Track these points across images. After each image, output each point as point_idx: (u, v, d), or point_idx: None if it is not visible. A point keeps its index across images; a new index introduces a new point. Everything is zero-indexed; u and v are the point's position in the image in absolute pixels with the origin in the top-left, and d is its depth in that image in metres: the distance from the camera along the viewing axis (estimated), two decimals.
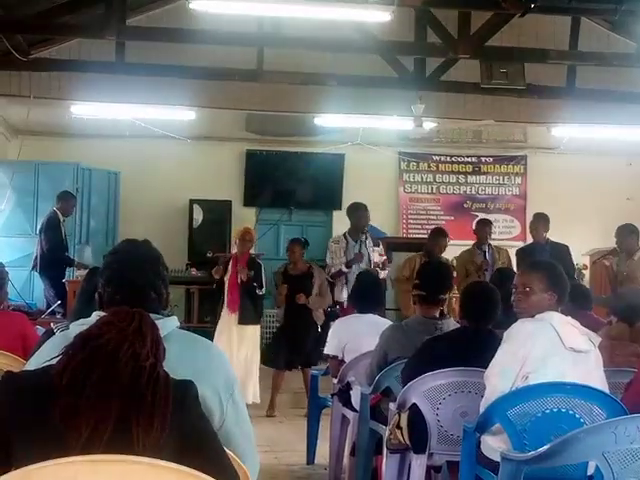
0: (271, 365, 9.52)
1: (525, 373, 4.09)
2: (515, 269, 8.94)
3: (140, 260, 2.74)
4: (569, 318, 4.21)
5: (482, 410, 4.17)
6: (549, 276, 4.34)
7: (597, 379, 4.16)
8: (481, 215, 14.80)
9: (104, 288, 2.72)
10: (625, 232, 9.87)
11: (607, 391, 4.20)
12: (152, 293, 2.70)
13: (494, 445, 4.12)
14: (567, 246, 10.42)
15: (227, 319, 9.35)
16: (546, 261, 5.39)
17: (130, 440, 2.06)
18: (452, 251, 11.08)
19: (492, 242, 10.67)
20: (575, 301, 4.45)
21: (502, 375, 4.14)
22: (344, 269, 9.64)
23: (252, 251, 13.73)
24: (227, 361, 2.75)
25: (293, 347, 9.39)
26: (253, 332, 9.45)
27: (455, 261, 10.68)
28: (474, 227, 11.00)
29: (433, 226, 12.71)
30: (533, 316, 4.24)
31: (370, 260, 9.74)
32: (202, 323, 12.21)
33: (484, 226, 10.66)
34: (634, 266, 9.75)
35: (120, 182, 13.99)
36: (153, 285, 2.71)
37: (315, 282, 9.51)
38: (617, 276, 9.84)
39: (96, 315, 2.48)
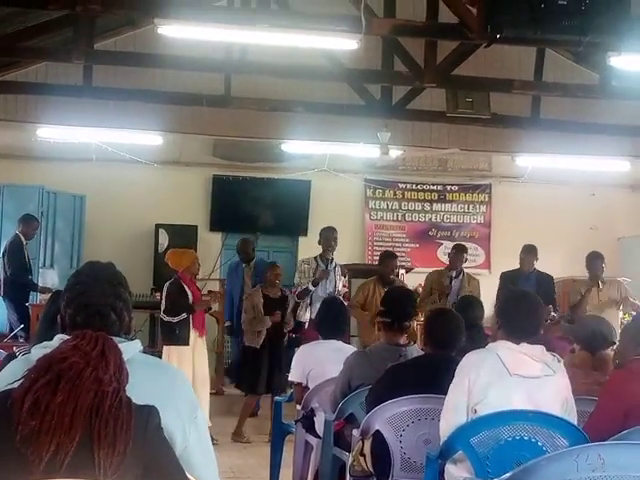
0: (250, 390, 9.52)
1: (473, 405, 4.11)
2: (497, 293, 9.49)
3: (101, 281, 2.71)
4: (522, 346, 4.19)
5: (442, 441, 4.18)
6: (497, 305, 4.49)
7: (557, 405, 4.16)
8: (446, 243, 14.90)
9: (65, 310, 2.69)
10: (597, 260, 10.16)
11: (573, 417, 4.22)
12: (112, 315, 2.67)
13: (457, 474, 4.12)
14: (552, 277, 10.61)
15: (193, 342, 9.32)
16: (504, 291, 5.47)
17: (91, 465, 2.04)
18: (417, 278, 11.10)
19: (466, 270, 10.72)
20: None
21: (455, 410, 4.16)
22: (310, 287, 9.82)
23: (217, 276, 13.81)
24: (190, 386, 2.73)
25: (272, 370, 9.42)
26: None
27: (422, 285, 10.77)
28: (450, 251, 11.11)
29: (398, 253, 12.69)
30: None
31: (336, 287, 9.89)
32: None
33: (457, 252, 10.69)
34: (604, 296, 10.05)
35: (85, 206, 13.89)
36: (113, 306, 2.68)
37: (289, 305, 9.71)
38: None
39: (59, 339, 2.46)
